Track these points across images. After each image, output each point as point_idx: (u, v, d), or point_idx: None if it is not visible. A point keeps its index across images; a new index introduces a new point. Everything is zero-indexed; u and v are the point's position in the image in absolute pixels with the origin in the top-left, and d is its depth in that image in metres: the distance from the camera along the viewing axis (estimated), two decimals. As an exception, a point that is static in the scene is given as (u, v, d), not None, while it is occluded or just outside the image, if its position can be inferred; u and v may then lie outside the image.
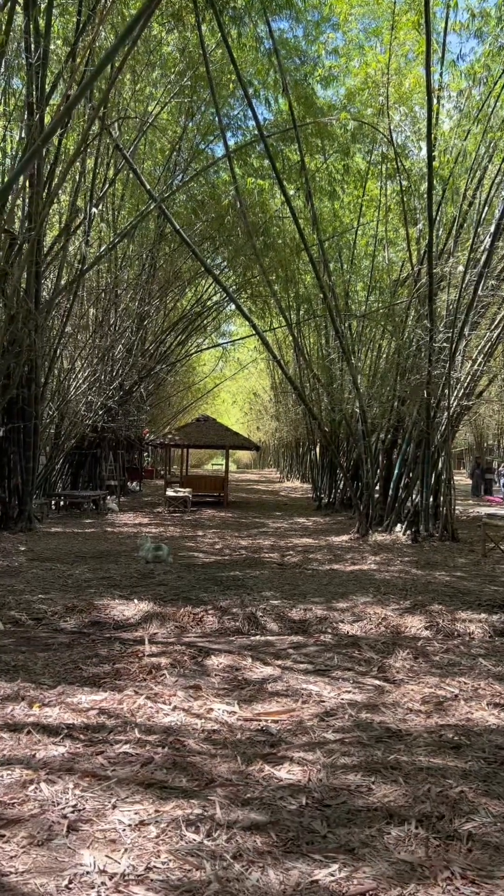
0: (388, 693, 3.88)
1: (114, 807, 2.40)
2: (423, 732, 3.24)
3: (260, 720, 3.40)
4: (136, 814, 2.35)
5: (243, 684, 4.01)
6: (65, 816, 2.30)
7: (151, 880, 1.95)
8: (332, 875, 2.00)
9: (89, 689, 3.81)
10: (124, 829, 2.24)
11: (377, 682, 4.11)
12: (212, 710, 3.53)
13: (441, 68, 12.06)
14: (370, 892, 1.91)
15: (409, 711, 3.57)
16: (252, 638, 5.22)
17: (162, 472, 29.81)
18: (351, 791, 2.57)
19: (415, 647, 4.89)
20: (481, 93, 11.85)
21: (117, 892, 1.89)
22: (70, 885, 1.92)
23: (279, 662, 4.49)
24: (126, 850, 2.11)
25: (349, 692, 3.89)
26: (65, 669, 4.20)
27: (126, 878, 1.96)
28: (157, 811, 2.37)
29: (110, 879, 1.95)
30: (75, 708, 3.48)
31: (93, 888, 1.91)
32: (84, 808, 2.37)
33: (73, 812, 2.34)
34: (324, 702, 3.71)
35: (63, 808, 2.36)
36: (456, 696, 3.86)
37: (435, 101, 11.07)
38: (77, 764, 2.75)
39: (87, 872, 1.98)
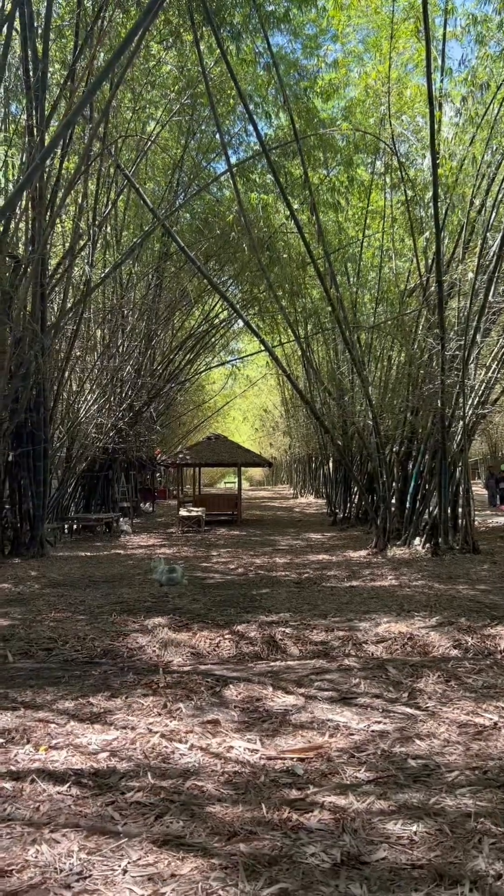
0: (421, 722, 3.59)
1: (124, 871, 2.13)
2: (464, 769, 2.95)
3: (284, 758, 3.13)
4: (149, 880, 2.08)
5: (265, 717, 3.74)
6: (68, 886, 2.04)
7: None
8: None
9: (100, 728, 3.55)
10: (136, 901, 1.98)
11: (408, 710, 3.82)
12: (232, 748, 3.26)
13: (441, 75, 11.95)
14: None
15: (447, 744, 3.28)
16: (272, 663, 4.95)
17: (174, 492, 29.60)
18: (391, 844, 2.29)
19: (445, 669, 4.60)
20: (484, 98, 11.70)
21: None
22: None
23: (302, 691, 4.21)
24: (138, 928, 1.85)
25: (379, 722, 3.61)
26: (74, 706, 3.95)
27: None
28: (173, 875, 2.10)
29: None
30: (84, 750, 3.22)
31: None
32: (91, 875, 2.11)
33: (77, 880, 2.07)
34: (353, 735, 3.43)
35: (67, 876, 2.09)
36: (495, 723, 3.57)
37: (437, 108, 10.93)
38: (84, 819, 2.49)
39: None
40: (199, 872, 2.12)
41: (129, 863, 2.18)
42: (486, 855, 2.18)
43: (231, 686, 4.28)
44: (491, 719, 3.64)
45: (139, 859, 2.20)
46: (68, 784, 2.81)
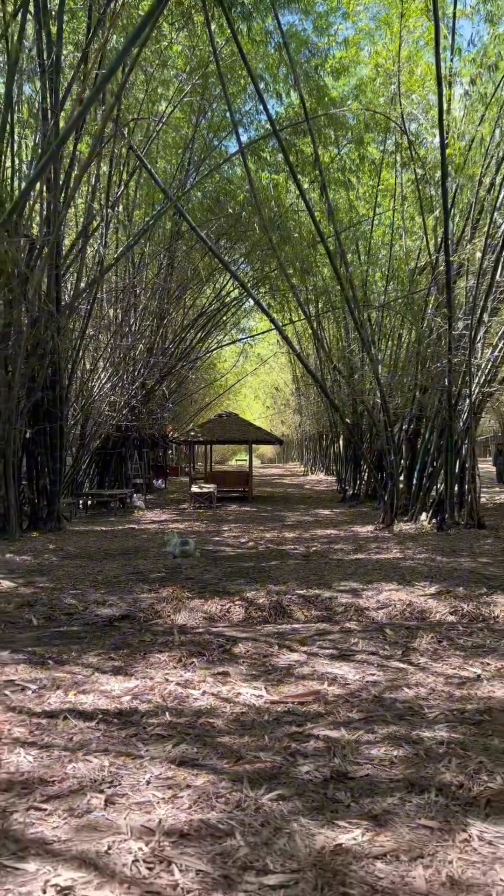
0: (411, 675, 3.97)
1: (147, 782, 2.54)
2: (444, 710, 3.33)
3: (286, 702, 3.51)
4: (168, 788, 2.48)
5: (270, 670, 4.13)
6: (102, 791, 2.44)
7: (185, 845, 2.08)
8: (356, 839, 2.11)
9: (122, 678, 3.95)
10: (158, 802, 2.38)
11: (401, 664, 4.20)
12: (240, 694, 3.65)
13: (451, 55, 12.00)
14: (391, 854, 2.01)
15: (432, 691, 3.66)
16: (279, 626, 5.33)
17: (186, 469, 30.03)
18: (374, 765, 2.67)
19: (439, 632, 4.96)
20: (493, 77, 11.76)
21: (153, 855, 2.02)
22: (109, 851, 2.05)
23: (305, 649, 4.59)
24: (160, 819, 2.25)
25: (373, 675, 3.99)
26: (97, 660, 4.35)
27: (161, 843, 2.10)
28: (188, 785, 2.50)
29: (146, 845, 2.08)
30: (109, 695, 3.62)
31: (130, 853, 2.04)
32: (120, 784, 2.51)
33: (109, 787, 2.48)
34: (349, 684, 3.81)
35: (100, 784, 2.50)
36: (479, 676, 3.93)
37: (446, 88, 11.03)
38: (112, 745, 2.89)
39: (125, 840, 2.12)
40: (210, 784, 2.51)
41: (151, 776, 2.59)
42: (452, 770, 2.57)
43: (240, 645, 4.67)
44: (475, 672, 4.01)
45: (160, 774, 2.61)
46: (96, 721, 3.21)
